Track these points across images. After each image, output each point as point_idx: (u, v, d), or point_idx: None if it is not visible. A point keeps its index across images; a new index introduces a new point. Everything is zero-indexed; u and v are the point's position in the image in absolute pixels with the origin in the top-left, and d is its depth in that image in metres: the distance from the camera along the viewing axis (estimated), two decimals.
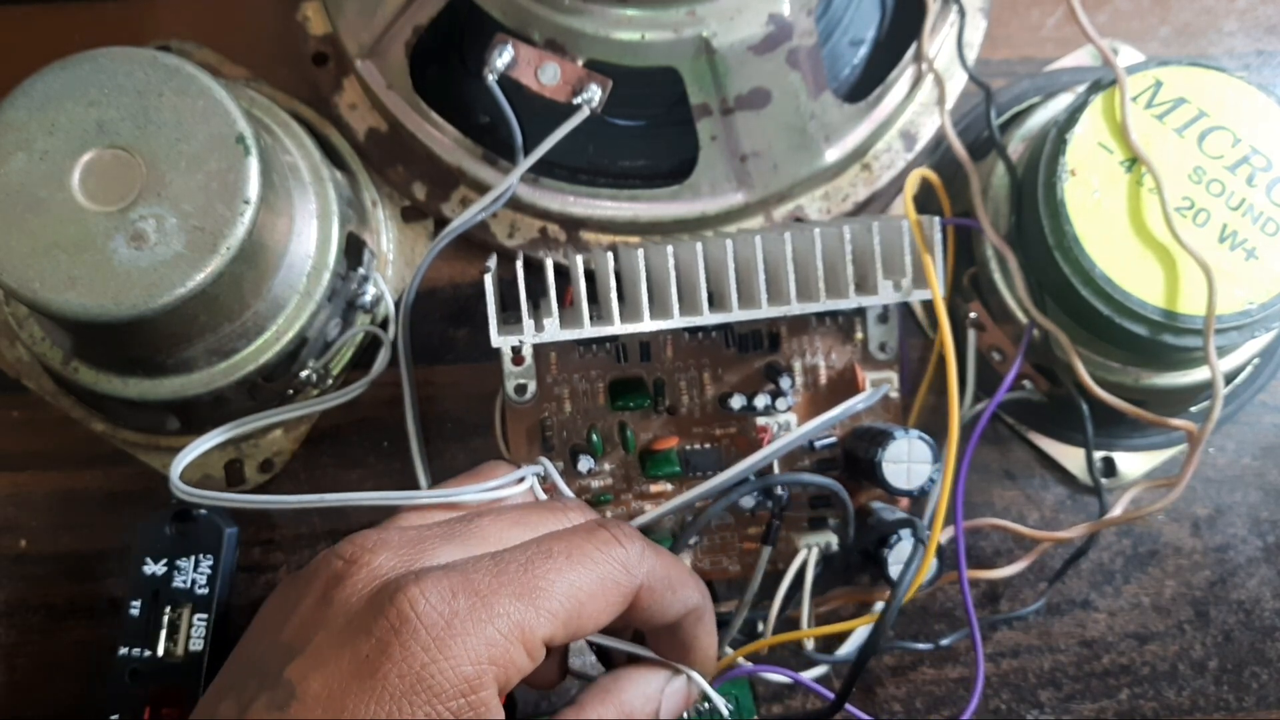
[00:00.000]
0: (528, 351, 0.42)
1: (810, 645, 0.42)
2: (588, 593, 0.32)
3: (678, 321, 0.39)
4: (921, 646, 0.45)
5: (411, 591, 0.29)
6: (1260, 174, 0.41)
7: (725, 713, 0.39)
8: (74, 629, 0.46)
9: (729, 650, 0.42)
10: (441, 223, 0.49)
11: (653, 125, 0.48)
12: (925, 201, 0.47)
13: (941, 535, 0.40)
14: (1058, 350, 0.42)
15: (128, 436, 0.46)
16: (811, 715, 0.43)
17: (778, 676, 0.41)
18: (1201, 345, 0.40)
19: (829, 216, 0.48)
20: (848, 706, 0.40)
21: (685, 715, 0.40)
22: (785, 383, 0.42)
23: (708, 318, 0.39)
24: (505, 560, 0.31)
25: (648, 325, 0.39)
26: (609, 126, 0.48)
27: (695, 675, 0.37)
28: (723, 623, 0.42)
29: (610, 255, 0.39)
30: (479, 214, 0.44)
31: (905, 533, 0.39)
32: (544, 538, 0.33)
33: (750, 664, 0.41)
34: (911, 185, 0.42)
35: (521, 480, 0.39)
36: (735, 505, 0.42)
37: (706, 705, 0.40)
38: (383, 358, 0.46)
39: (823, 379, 0.44)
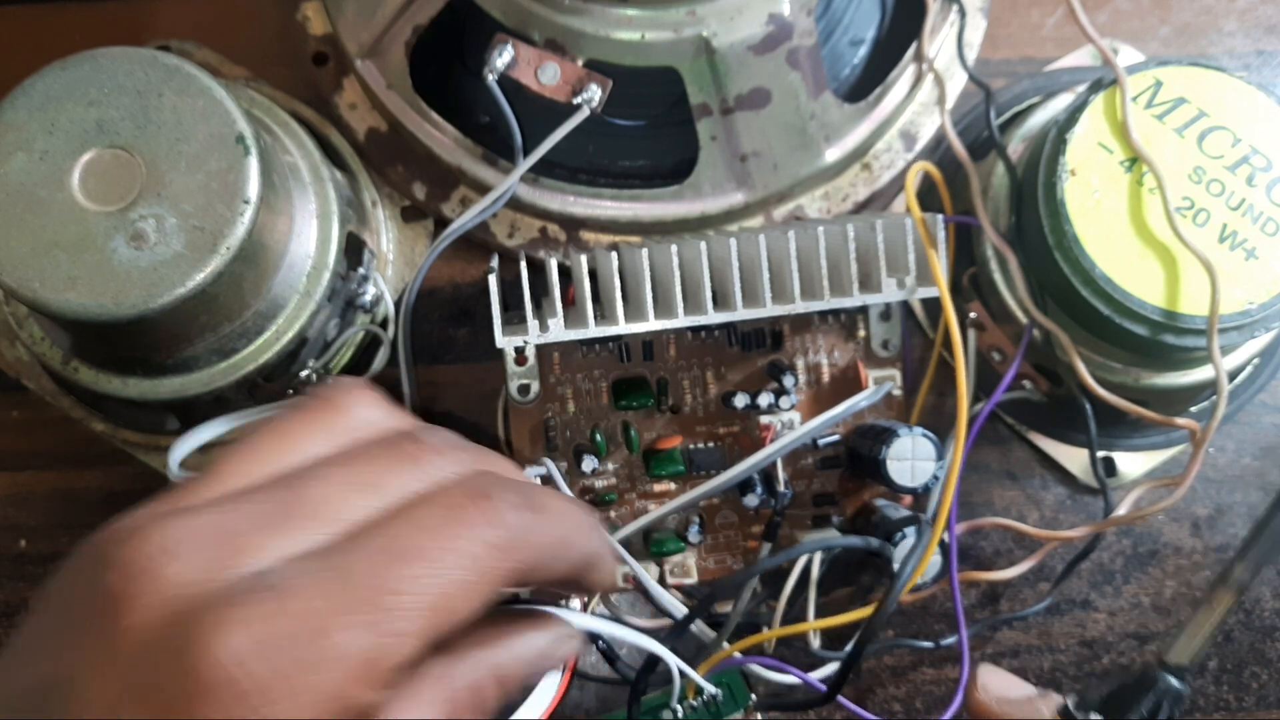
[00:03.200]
0: (531, 352, 0.42)
1: (816, 644, 0.42)
2: (455, 595, 0.24)
3: (682, 320, 0.39)
4: (923, 645, 0.45)
5: (219, 645, 0.21)
6: (1260, 174, 0.41)
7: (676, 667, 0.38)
8: None
9: (725, 644, 0.42)
10: (441, 223, 0.49)
11: (653, 125, 0.48)
12: (926, 200, 0.47)
13: (945, 533, 0.40)
14: (1059, 350, 0.42)
15: (128, 436, 0.46)
16: (805, 704, 0.42)
17: (768, 671, 0.41)
18: (1202, 345, 0.40)
19: (829, 216, 0.48)
20: (847, 704, 0.40)
21: (683, 705, 0.40)
22: (788, 381, 0.42)
23: (712, 316, 0.39)
24: (346, 570, 0.23)
25: (652, 324, 0.39)
26: (609, 126, 0.48)
27: (578, 620, 0.31)
28: (718, 624, 0.42)
29: (614, 255, 0.39)
30: (480, 214, 0.44)
31: (910, 530, 0.39)
32: (397, 524, 0.25)
33: (740, 655, 0.41)
34: (913, 178, 0.42)
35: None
36: (739, 503, 0.42)
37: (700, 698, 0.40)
38: (382, 357, 0.46)
39: (825, 377, 0.44)
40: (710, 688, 0.40)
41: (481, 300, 0.39)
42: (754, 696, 0.42)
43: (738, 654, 0.41)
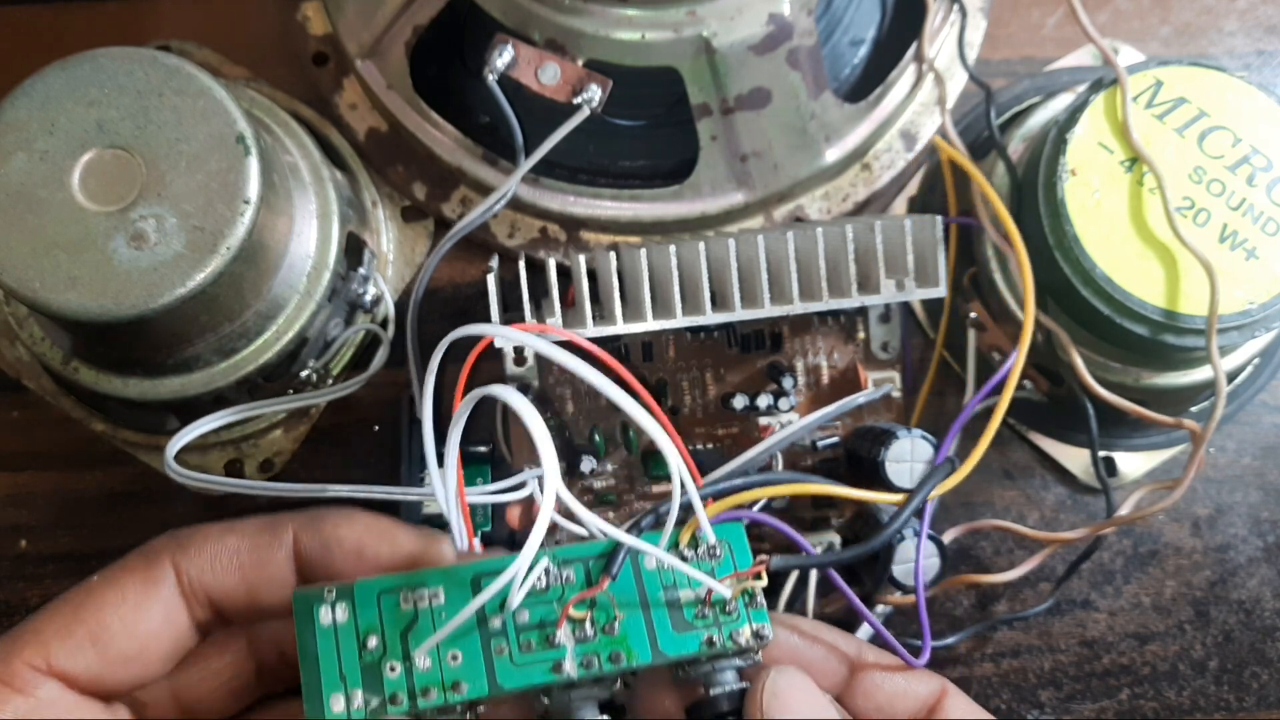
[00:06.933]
0: (530, 352, 0.42)
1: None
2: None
3: (680, 321, 0.39)
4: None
5: None
6: (1260, 174, 0.41)
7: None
8: None
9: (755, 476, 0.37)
10: (441, 223, 0.49)
11: (653, 125, 0.48)
12: (927, 201, 0.47)
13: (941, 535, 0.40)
14: (1059, 350, 0.42)
15: (128, 436, 0.46)
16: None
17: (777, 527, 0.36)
18: (1202, 345, 0.40)
19: (829, 216, 0.48)
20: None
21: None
22: (788, 382, 0.42)
23: (711, 317, 0.39)
24: None
25: (651, 325, 0.39)
26: (609, 126, 0.48)
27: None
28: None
29: (613, 255, 0.39)
30: (483, 214, 0.44)
31: (908, 533, 0.39)
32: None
33: (749, 511, 0.35)
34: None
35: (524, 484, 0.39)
36: None
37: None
38: (381, 356, 0.46)
39: (825, 379, 0.44)
40: (712, 536, 0.33)
41: (481, 300, 0.39)
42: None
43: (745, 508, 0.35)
